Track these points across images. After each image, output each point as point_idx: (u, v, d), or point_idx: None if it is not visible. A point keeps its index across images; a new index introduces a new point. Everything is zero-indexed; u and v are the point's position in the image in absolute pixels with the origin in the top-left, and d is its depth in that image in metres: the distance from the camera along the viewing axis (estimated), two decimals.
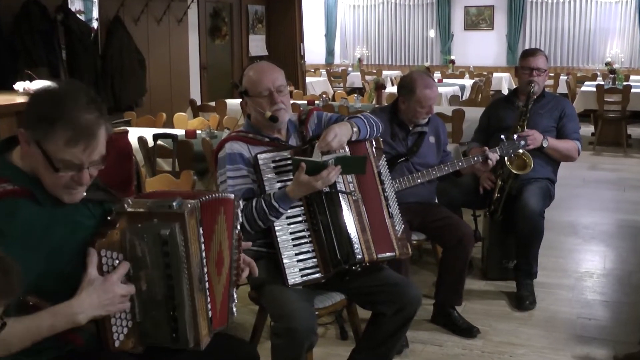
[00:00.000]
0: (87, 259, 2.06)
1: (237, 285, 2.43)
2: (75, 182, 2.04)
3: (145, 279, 2.12)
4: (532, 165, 4.49)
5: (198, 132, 6.16)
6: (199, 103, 9.50)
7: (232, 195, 2.32)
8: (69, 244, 2.07)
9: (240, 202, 2.39)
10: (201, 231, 2.16)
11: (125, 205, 2.13)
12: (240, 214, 2.38)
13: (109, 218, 2.15)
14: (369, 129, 3.23)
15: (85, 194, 2.10)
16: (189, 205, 2.11)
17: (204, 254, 2.17)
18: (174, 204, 2.10)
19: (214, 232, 2.23)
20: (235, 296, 2.39)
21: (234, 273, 2.38)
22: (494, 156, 4.12)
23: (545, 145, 4.63)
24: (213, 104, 8.92)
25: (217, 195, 2.28)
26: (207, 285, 2.19)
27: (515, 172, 4.53)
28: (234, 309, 2.37)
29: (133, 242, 2.10)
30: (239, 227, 2.37)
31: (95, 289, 2.03)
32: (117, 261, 2.10)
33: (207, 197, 2.22)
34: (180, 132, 6.13)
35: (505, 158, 4.43)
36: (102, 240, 2.09)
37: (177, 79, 10.33)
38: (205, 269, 2.18)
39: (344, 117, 3.30)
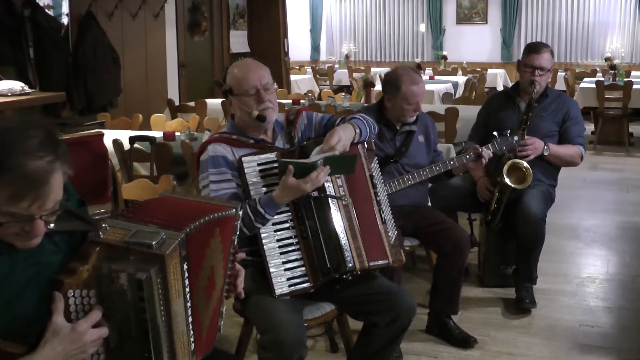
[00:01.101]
0: (52, 305, 1.92)
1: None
2: (26, 233, 1.87)
3: (120, 317, 2.01)
4: (531, 179, 4.49)
5: (177, 134, 6.14)
6: (177, 103, 9.47)
7: (234, 211, 2.22)
8: (33, 287, 1.94)
9: (241, 212, 2.32)
10: (185, 267, 2.05)
11: (101, 233, 2.00)
12: (239, 226, 2.32)
13: (81, 247, 2.01)
14: (368, 131, 3.24)
15: (52, 226, 1.92)
16: (172, 245, 1.97)
17: (187, 289, 2.08)
18: (154, 243, 1.95)
19: (204, 258, 2.15)
20: (224, 312, 2.37)
21: (226, 289, 2.36)
22: (487, 153, 4.09)
23: (546, 153, 4.62)
24: (192, 104, 8.89)
25: (214, 216, 2.14)
26: (190, 320, 2.10)
27: (513, 186, 4.52)
28: (222, 326, 2.35)
29: (106, 279, 1.97)
30: (236, 240, 2.32)
31: (61, 340, 1.91)
32: (88, 298, 1.98)
33: (200, 222, 2.08)
34: (158, 134, 6.11)
35: (504, 173, 4.45)
36: (70, 278, 1.95)
37: (153, 77, 10.30)
38: (189, 304, 2.09)
39: (337, 118, 3.30)
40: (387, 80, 4.35)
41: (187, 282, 2.06)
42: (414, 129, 4.36)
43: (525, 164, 4.51)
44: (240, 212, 2.29)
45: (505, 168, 4.52)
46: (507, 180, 4.51)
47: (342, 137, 3.06)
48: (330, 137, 3.04)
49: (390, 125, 4.34)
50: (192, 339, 2.12)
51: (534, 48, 4.79)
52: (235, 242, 2.31)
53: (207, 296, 2.19)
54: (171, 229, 2.02)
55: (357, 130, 3.16)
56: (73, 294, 1.96)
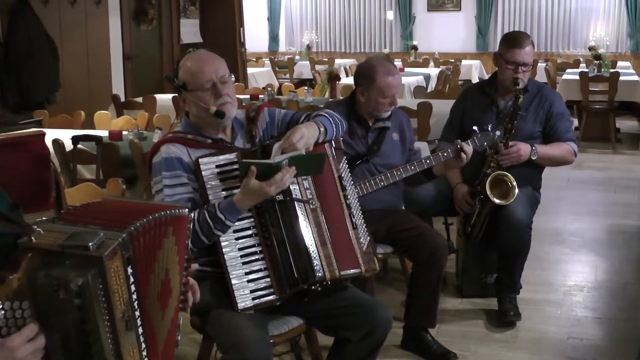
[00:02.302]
0: None
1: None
2: None
3: (60, 330, 1.95)
4: (515, 193, 4.43)
5: (124, 133, 6.11)
6: (123, 99, 9.40)
7: (186, 210, 2.21)
8: None
9: (192, 215, 2.31)
10: (130, 270, 2.00)
11: (33, 238, 1.94)
12: (191, 229, 2.31)
13: (11, 255, 1.95)
14: (334, 129, 3.24)
15: None
16: (111, 246, 1.92)
17: (134, 297, 2.03)
18: (91, 244, 1.90)
19: (156, 261, 2.12)
20: (180, 324, 2.35)
21: (181, 299, 2.33)
22: (468, 149, 4.03)
23: (534, 158, 4.57)
24: (140, 99, 8.84)
25: (166, 213, 2.13)
26: (141, 331, 2.06)
27: (497, 202, 4.47)
28: (179, 340, 2.33)
29: (41, 288, 1.91)
30: (189, 244, 2.30)
31: None
32: (21, 311, 1.92)
33: (149, 219, 2.06)
34: (103, 133, 6.06)
35: (487, 187, 4.44)
36: None
37: (96, 71, 10.21)
38: (138, 313, 2.04)
39: (301, 115, 3.31)
40: (360, 71, 4.36)
41: (133, 287, 2.01)
42: (388, 125, 4.37)
43: (512, 180, 4.45)
44: (193, 215, 2.27)
45: (488, 183, 4.48)
46: (490, 195, 4.47)
47: (305, 135, 3.06)
48: (292, 135, 3.04)
49: (362, 121, 4.35)
50: (144, 354, 2.08)
51: (515, 41, 4.66)
52: (189, 247, 2.29)
53: (163, 304, 2.15)
54: (114, 230, 1.98)
55: (322, 129, 3.17)
56: (2, 306, 1.91)
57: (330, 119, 3.24)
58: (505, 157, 4.50)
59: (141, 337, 2.06)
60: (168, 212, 2.13)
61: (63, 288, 1.90)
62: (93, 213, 2.14)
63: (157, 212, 2.09)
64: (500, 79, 4.74)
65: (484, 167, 4.54)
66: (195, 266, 2.46)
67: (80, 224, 2.02)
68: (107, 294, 1.93)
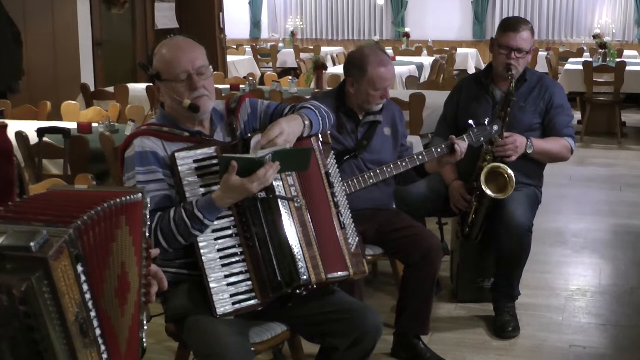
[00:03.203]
0: None
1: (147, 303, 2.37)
2: None
3: (5, 339, 1.97)
4: (513, 186, 4.44)
5: (94, 125, 6.10)
6: (92, 88, 9.38)
7: (140, 195, 2.18)
8: None
9: (148, 199, 2.28)
10: (80, 268, 1.97)
11: None
12: (148, 215, 2.28)
13: None
14: (321, 122, 3.25)
15: None
16: (56, 244, 1.87)
17: (88, 296, 2.00)
18: (33, 244, 1.84)
19: (110, 254, 2.10)
20: (145, 322, 2.33)
21: (143, 292, 2.32)
22: (462, 144, 4.04)
23: (529, 151, 4.57)
24: (111, 89, 8.82)
25: (116, 201, 2.10)
26: (98, 332, 2.04)
27: (493, 195, 4.49)
28: (144, 340, 2.32)
29: None
30: (147, 232, 2.27)
31: None
32: None
33: (97, 210, 2.02)
34: (71, 125, 6.04)
35: (482, 181, 4.46)
36: None
37: (63, 58, 10.18)
38: (94, 313, 2.02)
39: (285, 106, 3.31)
40: (350, 60, 4.36)
41: (85, 286, 1.99)
42: (379, 119, 4.38)
43: (509, 171, 4.46)
44: (148, 200, 2.24)
45: (483, 175, 4.48)
46: (485, 188, 4.48)
47: (286, 130, 3.05)
48: (271, 129, 3.03)
49: (352, 115, 4.36)
50: (105, 356, 2.05)
51: (510, 25, 4.68)
52: (147, 234, 2.26)
53: (121, 300, 2.14)
54: (59, 225, 1.94)
55: (307, 122, 3.16)
56: None
57: (316, 111, 3.25)
58: (500, 148, 4.49)
59: (99, 338, 2.04)
60: (118, 200, 2.10)
61: (5, 295, 1.85)
62: (36, 208, 2.09)
63: (106, 202, 2.06)
64: (494, 65, 4.75)
65: (478, 161, 4.54)
66: (156, 251, 2.45)
67: (21, 222, 1.97)
68: (55, 297, 1.88)
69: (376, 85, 4.23)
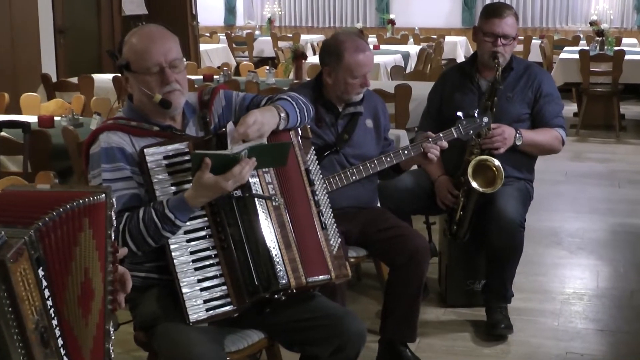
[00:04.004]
0: None
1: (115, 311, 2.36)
2: None
3: None
4: (502, 180, 4.47)
5: (56, 118, 6.07)
6: (54, 79, 9.33)
7: (103, 195, 2.16)
8: None
9: (114, 199, 2.27)
10: (42, 273, 1.96)
11: None
12: (114, 217, 2.27)
13: None
14: (299, 115, 3.25)
15: None
16: (15, 246, 1.86)
17: (50, 303, 1.99)
18: None
19: (72, 259, 2.08)
20: (112, 332, 2.32)
21: (110, 300, 2.31)
22: (433, 150, 4.07)
23: (518, 143, 4.62)
24: (75, 80, 8.78)
25: (79, 203, 2.08)
26: (61, 343, 2.02)
27: (481, 190, 4.50)
28: (111, 351, 2.31)
29: None
30: (113, 235, 2.25)
31: None
32: None
33: (59, 211, 2.01)
34: (31, 119, 6.02)
35: (470, 175, 4.46)
36: None
37: (22, 46, 10.12)
38: (56, 322, 2.01)
39: (262, 98, 3.31)
40: (326, 48, 4.37)
41: (47, 292, 1.97)
42: (360, 110, 4.39)
43: (496, 162, 4.49)
44: (114, 200, 2.23)
45: (470, 168, 4.50)
46: (473, 183, 4.50)
47: (259, 120, 3.05)
48: (242, 123, 3.03)
49: (331, 107, 4.36)
50: None
51: (494, 11, 4.74)
52: (113, 238, 2.24)
53: (85, 309, 2.12)
54: (18, 226, 1.92)
55: (282, 114, 3.16)
56: None
57: (294, 103, 3.25)
58: (487, 141, 4.51)
59: (62, 349, 2.02)
60: (81, 201, 2.08)
61: None
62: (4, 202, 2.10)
63: (68, 203, 2.04)
64: (480, 54, 4.81)
65: (465, 154, 4.56)
66: (123, 251, 2.45)
67: None
68: (14, 303, 1.87)
69: (354, 73, 4.23)
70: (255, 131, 3.02)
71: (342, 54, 4.23)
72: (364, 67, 4.25)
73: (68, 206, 2.03)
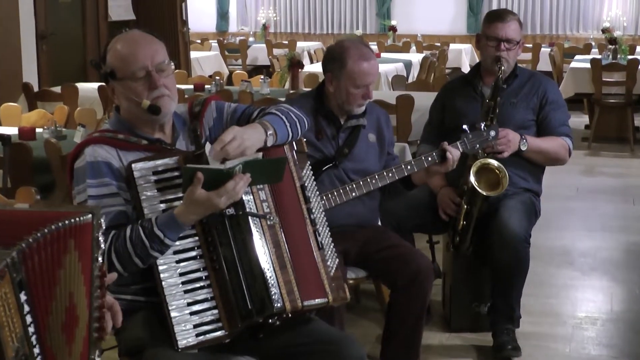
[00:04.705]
0: None
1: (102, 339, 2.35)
2: None
3: None
4: (507, 183, 4.51)
5: (38, 130, 6.07)
6: (36, 88, 9.34)
7: (90, 216, 2.16)
8: None
9: (103, 221, 2.26)
10: (24, 297, 1.95)
11: None
12: (102, 239, 2.26)
13: None
14: (290, 130, 3.23)
15: None
16: None
17: (32, 330, 1.99)
18: None
19: (57, 284, 2.07)
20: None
21: (96, 327, 2.30)
22: (455, 152, 4.12)
23: (524, 148, 4.65)
24: (58, 89, 8.79)
25: (64, 223, 2.07)
26: None
27: (484, 193, 4.52)
28: None
29: None
30: (101, 258, 2.24)
31: None
32: None
33: (44, 232, 2.00)
34: (12, 130, 6.02)
35: (472, 176, 4.46)
36: None
37: (2, 53, 10.11)
38: (37, 350, 2.00)
39: (254, 109, 3.31)
40: (329, 54, 4.38)
41: (29, 318, 1.97)
42: (363, 123, 4.39)
43: (497, 164, 4.53)
44: (102, 221, 2.21)
45: (472, 171, 4.52)
46: (474, 183, 4.51)
47: (239, 138, 3.01)
48: (219, 139, 3.01)
49: (332, 118, 4.36)
50: None
51: (497, 15, 4.86)
52: (100, 261, 2.23)
53: (69, 336, 2.12)
54: None
55: (270, 131, 3.13)
56: None
57: (283, 117, 3.23)
58: (490, 144, 4.53)
59: None
60: (67, 221, 2.07)
61: None
62: None
63: (54, 223, 2.03)
64: (482, 60, 4.92)
65: (467, 160, 4.57)
66: (112, 277, 2.44)
67: None
68: None
69: (357, 82, 4.23)
70: (235, 148, 2.99)
71: (346, 61, 4.24)
72: (367, 77, 4.25)
73: (53, 227, 2.02)
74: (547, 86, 4.92)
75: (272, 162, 3.09)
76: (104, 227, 2.23)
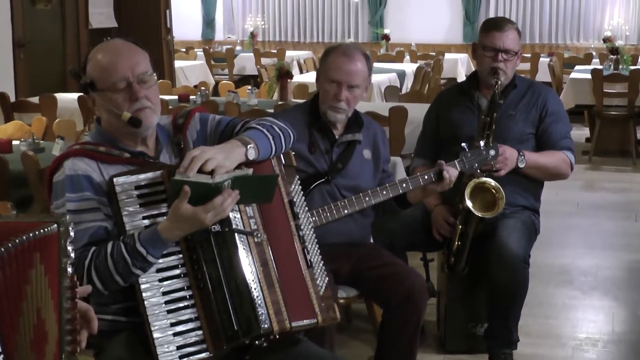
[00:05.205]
0: None
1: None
2: None
3: None
4: (503, 205, 4.46)
5: (15, 142, 6.07)
6: (13, 98, 9.32)
7: (55, 226, 2.12)
8: None
9: (71, 229, 2.23)
10: None
11: None
12: (70, 248, 2.24)
13: None
14: (273, 144, 3.21)
15: None
16: None
17: None
18: None
19: (24, 300, 2.06)
20: None
21: (68, 340, 2.28)
22: (452, 172, 4.10)
23: (521, 165, 4.62)
24: (36, 99, 8.77)
25: (29, 236, 2.04)
26: None
27: (479, 214, 4.49)
28: None
29: None
30: (70, 269, 2.21)
31: None
32: None
33: (8, 247, 1.97)
34: None
35: (466, 195, 4.45)
36: None
37: None
38: None
39: (239, 121, 3.31)
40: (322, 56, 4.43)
41: None
42: (359, 138, 4.38)
43: (494, 183, 4.48)
44: (71, 229, 2.20)
45: (467, 190, 4.48)
46: (469, 204, 4.49)
47: (208, 153, 2.95)
48: (186, 156, 2.97)
49: (327, 132, 4.35)
50: None
51: (494, 24, 4.82)
52: (69, 271, 2.20)
53: (38, 354, 2.10)
54: None
55: (251, 145, 3.10)
56: None
57: (265, 131, 3.21)
58: (488, 162, 4.51)
59: None
60: (31, 234, 2.05)
61: None
62: None
63: (17, 237, 2.01)
64: (479, 70, 4.87)
65: (463, 178, 4.54)
66: (86, 289, 2.43)
67: None
68: None
69: (329, 74, 4.24)
70: (213, 165, 2.93)
71: (328, 55, 4.27)
72: (341, 72, 4.22)
73: (17, 240, 2.00)
74: (547, 97, 4.87)
75: (263, 179, 3.09)
76: (72, 236, 2.21)
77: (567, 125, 4.92)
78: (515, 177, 4.67)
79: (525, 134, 4.79)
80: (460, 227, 4.65)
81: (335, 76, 4.22)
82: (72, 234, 2.19)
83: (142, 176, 3.04)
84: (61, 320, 2.19)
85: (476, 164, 4.26)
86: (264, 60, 14.75)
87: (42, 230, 2.08)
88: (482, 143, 4.32)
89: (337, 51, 4.27)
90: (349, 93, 4.23)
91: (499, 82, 4.65)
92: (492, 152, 4.31)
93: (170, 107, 7.45)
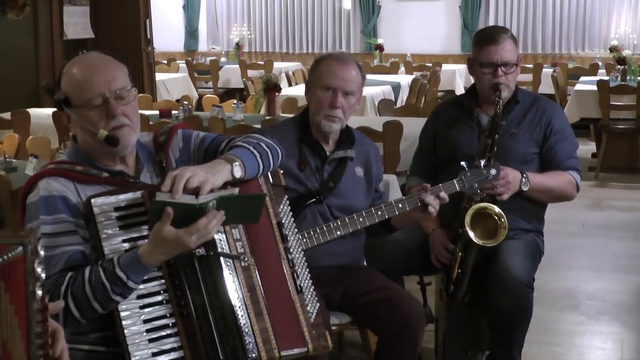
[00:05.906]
0: None
1: None
2: None
3: None
4: (505, 233, 4.42)
5: None
6: None
7: (20, 249, 2.10)
8: None
9: (40, 246, 2.21)
10: None
11: None
12: (39, 269, 2.18)
13: None
14: (261, 162, 3.23)
15: None
16: None
17: None
18: None
19: None
20: None
21: None
22: (433, 202, 4.05)
23: (525, 189, 4.58)
24: (7, 115, 8.78)
25: None
26: None
27: (481, 243, 4.46)
28: None
29: None
30: (39, 291, 2.20)
31: None
32: None
33: None
34: None
35: (467, 225, 4.44)
36: None
37: None
38: None
39: (224, 138, 3.31)
40: (310, 67, 4.43)
41: None
42: (351, 155, 4.38)
43: (497, 210, 4.45)
44: (38, 247, 2.18)
45: (468, 217, 4.46)
46: (470, 234, 4.47)
47: (189, 171, 2.95)
48: (167, 175, 2.97)
49: (317, 148, 4.34)
50: None
51: (487, 37, 4.73)
52: (39, 294, 2.19)
53: None
54: None
55: (237, 162, 3.11)
56: None
57: (251, 148, 3.23)
58: (489, 185, 4.50)
59: None
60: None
61: None
62: None
63: None
64: (479, 88, 4.81)
65: (463, 202, 4.54)
66: (57, 306, 2.42)
67: None
68: None
69: (323, 81, 4.24)
70: (196, 183, 2.93)
71: (320, 63, 4.30)
72: (336, 78, 4.23)
73: None
74: (552, 114, 4.81)
75: (250, 198, 3.10)
76: (41, 254, 2.19)
77: (573, 144, 4.85)
78: (517, 201, 4.61)
79: (528, 154, 4.75)
80: (460, 254, 4.61)
81: (330, 82, 4.22)
82: (41, 252, 2.18)
83: (121, 197, 3.04)
84: (30, 350, 2.18)
85: (476, 184, 4.22)
86: (251, 73, 14.75)
87: (6, 256, 2.06)
88: (482, 162, 4.28)
89: (330, 58, 4.29)
90: (345, 101, 4.24)
91: (501, 100, 4.60)
92: (493, 172, 4.27)
93: (150, 122, 7.46)
